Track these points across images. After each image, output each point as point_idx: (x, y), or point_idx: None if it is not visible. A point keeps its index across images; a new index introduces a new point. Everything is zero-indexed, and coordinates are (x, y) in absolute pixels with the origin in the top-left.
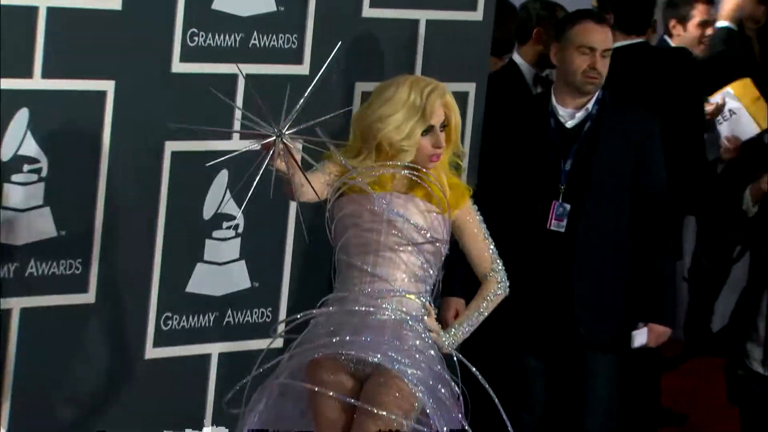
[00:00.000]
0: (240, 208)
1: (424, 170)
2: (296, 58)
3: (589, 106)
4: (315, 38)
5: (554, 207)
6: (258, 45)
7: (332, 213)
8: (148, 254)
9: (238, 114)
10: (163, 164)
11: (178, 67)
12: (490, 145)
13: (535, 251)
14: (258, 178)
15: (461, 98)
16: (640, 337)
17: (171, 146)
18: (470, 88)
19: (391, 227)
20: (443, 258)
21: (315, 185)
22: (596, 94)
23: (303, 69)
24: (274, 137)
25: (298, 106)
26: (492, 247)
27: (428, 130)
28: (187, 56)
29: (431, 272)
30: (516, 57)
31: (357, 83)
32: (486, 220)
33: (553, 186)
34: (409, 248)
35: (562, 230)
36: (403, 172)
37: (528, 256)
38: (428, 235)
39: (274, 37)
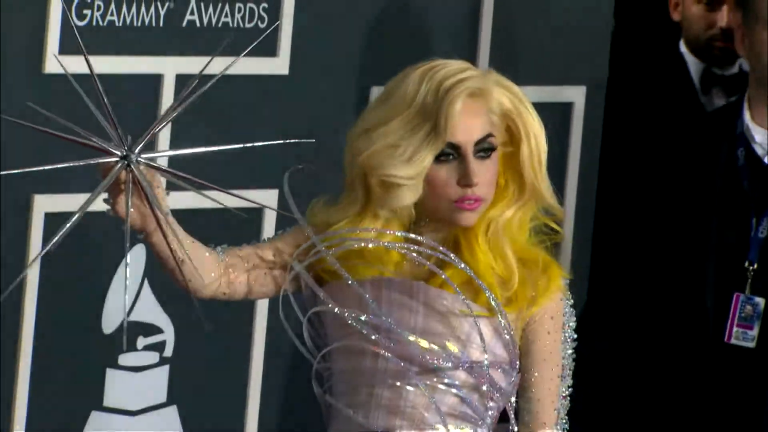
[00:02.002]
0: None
1: (437, 247)
2: (267, 46)
3: None
4: (299, 12)
5: (737, 304)
6: (199, 23)
7: (312, 316)
8: (5, 395)
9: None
10: (31, 234)
11: (55, 64)
12: (617, 193)
13: (700, 381)
14: (68, 225)
15: (561, 112)
16: None
17: (43, 203)
18: (576, 95)
19: (396, 345)
20: (513, 384)
21: (229, 262)
22: None
23: (279, 64)
24: (117, 158)
25: (168, 115)
26: (565, 396)
27: (449, 154)
28: (71, 44)
29: (483, 411)
30: (683, 45)
31: (374, 88)
32: (610, 327)
33: (735, 266)
34: (432, 380)
35: (751, 345)
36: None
37: (686, 390)
38: (463, 358)
39: (228, 8)
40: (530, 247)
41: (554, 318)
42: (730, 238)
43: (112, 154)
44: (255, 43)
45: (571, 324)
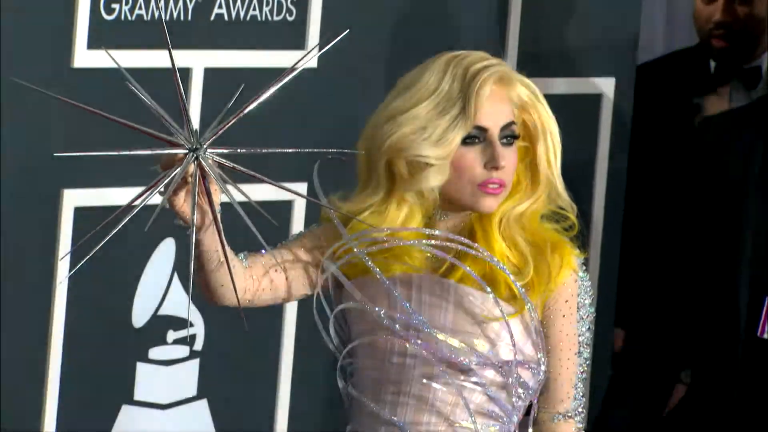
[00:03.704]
0: (192, 302)
1: (468, 241)
2: (295, 39)
3: None
4: (327, 4)
5: None
6: (227, 17)
7: (338, 315)
8: (35, 390)
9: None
10: (60, 228)
11: (84, 58)
12: (648, 186)
13: (731, 375)
14: (123, 222)
15: (590, 104)
16: None
17: (73, 197)
18: (605, 86)
19: (425, 343)
20: (540, 380)
21: (254, 269)
22: None
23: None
24: (186, 151)
25: (242, 109)
26: (583, 372)
27: (476, 137)
28: (99, 39)
29: (510, 409)
30: None
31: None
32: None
33: (765, 263)
34: (460, 378)
35: None
36: (426, 241)
37: (718, 382)
38: (492, 357)
39: (256, 2)
40: (540, 230)
41: (569, 300)
42: (761, 234)
43: (180, 147)
44: (339, 36)
45: (587, 301)
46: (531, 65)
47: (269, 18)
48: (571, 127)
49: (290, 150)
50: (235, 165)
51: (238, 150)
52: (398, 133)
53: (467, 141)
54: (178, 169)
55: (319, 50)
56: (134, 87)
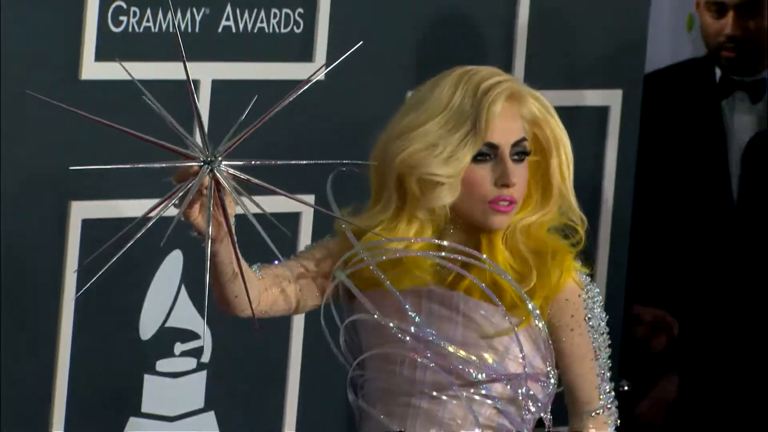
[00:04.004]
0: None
1: (478, 252)
2: (302, 51)
3: None
4: (335, 16)
5: None
6: (234, 29)
7: (348, 326)
8: (43, 403)
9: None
10: (68, 240)
11: (92, 70)
12: (656, 198)
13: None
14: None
15: (598, 116)
16: None
17: (81, 209)
18: (612, 98)
19: (435, 356)
20: (550, 393)
21: (267, 280)
22: None
23: (314, 70)
24: (201, 163)
25: (258, 121)
26: (605, 373)
27: (487, 155)
28: (108, 51)
29: (520, 423)
30: None
31: (410, 92)
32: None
33: None
34: (470, 391)
35: None
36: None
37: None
38: (499, 369)
39: (263, 14)
40: (543, 238)
41: (575, 315)
42: None
43: (195, 159)
44: (353, 50)
45: (597, 310)
46: (538, 78)
47: (277, 30)
48: (578, 139)
49: (304, 162)
50: (250, 177)
51: (253, 162)
52: (408, 150)
53: (478, 158)
54: (194, 182)
55: (332, 64)
56: (149, 100)
